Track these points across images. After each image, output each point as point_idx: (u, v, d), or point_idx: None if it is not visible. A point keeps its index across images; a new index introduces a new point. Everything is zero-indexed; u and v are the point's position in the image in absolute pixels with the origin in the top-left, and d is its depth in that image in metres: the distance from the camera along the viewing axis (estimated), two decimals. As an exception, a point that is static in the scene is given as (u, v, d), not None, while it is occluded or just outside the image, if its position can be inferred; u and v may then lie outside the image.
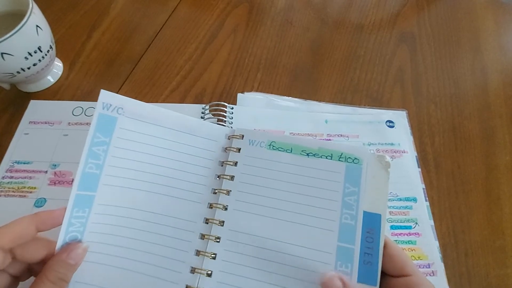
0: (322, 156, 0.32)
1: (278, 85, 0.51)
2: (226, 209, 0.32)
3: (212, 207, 0.32)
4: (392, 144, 0.44)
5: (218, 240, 0.31)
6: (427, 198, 0.41)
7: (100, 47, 0.54)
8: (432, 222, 0.39)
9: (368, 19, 0.60)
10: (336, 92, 0.50)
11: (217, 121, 0.44)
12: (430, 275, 0.36)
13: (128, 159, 0.31)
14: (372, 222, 0.29)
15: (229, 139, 0.35)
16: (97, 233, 0.29)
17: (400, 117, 0.47)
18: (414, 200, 0.40)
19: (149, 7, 0.60)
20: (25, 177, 0.41)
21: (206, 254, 0.30)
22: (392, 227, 0.39)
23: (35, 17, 0.41)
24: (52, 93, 0.49)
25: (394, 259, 0.27)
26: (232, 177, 0.33)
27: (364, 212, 0.29)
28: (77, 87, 0.50)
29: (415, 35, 0.57)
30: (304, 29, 0.58)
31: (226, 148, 0.34)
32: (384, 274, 0.27)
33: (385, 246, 0.28)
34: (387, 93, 0.50)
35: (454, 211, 0.41)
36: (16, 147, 0.43)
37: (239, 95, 0.48)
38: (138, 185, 0.31)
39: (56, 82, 0.50)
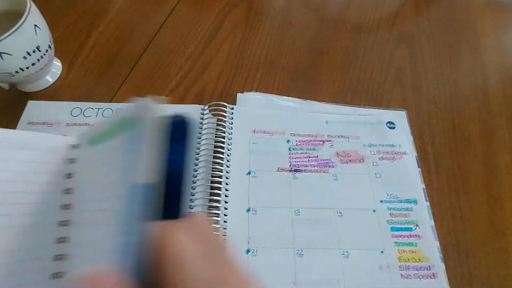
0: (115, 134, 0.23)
1: (278, 85, 0.51)
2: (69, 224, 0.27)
3: (62, 225, 0.27)
4: (393, 145, 0.44)
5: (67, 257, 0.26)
6: (427, 198, 0.41)
7: (99, 47, 0.54)
8: (432, 222, 0.39)
9: (367, 19, 0.59)
10: (336, 92, 0.50)
11: (217, 121, 0.44)
12: (430, 278, 0.36)
13: None
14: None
15: (71, 148, 0.29)
16: None
17: (400, 117, 0.47)
18: (415, 202, 0.40)
19: (148, 7, 0.60)
20: (23, 178, 0.40)
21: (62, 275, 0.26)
22: (392, 229, 0.39)
23: (33, 16, 0.41)
24: (51, 93, 0.49)
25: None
26: (70, 190, 0.28)
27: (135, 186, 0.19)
28: (76, 87, 0.49)
29: (414, 35, 0.57)
30: (303, 29, 0.58)
31: (69, 158, 0.29)
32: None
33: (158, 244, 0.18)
34: (386, 93, 0.50)
35: (454, 211, 0.41)
36: (14, 148, 0.42)
37: (239, 95, 0.48)
38: None
39: (55, 81, 0.50)
